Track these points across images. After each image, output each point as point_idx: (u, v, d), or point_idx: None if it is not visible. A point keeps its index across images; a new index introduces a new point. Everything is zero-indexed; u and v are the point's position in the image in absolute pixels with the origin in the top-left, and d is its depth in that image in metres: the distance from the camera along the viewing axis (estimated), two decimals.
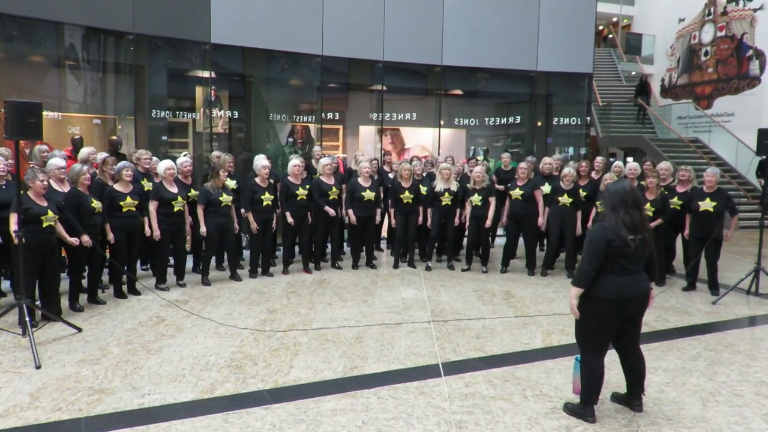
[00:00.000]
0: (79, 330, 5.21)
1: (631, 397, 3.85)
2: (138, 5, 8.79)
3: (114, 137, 8.59)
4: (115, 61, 9.46)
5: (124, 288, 6.49)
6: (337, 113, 11.77)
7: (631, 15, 23.12)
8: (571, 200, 7.64)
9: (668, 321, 5.96)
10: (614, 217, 3.55)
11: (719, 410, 3.91)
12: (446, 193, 7.84)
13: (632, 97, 18.96)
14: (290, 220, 7.48)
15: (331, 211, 7.63)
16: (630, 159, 13.61)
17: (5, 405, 3.78)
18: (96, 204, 5.90)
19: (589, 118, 12.87)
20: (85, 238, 5.66)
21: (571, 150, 12.94)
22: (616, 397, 3.95)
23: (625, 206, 3.54)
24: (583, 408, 3.72)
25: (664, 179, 7.62)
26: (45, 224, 5.28)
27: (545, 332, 5.50)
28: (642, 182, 7.48)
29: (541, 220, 7.87)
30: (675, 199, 7.30)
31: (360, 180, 7.86)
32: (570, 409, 3.79)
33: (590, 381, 3.69)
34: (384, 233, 9.47)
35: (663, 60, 20.67)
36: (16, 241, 4.92)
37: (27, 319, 4.75)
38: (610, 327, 3.63)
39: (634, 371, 3.79)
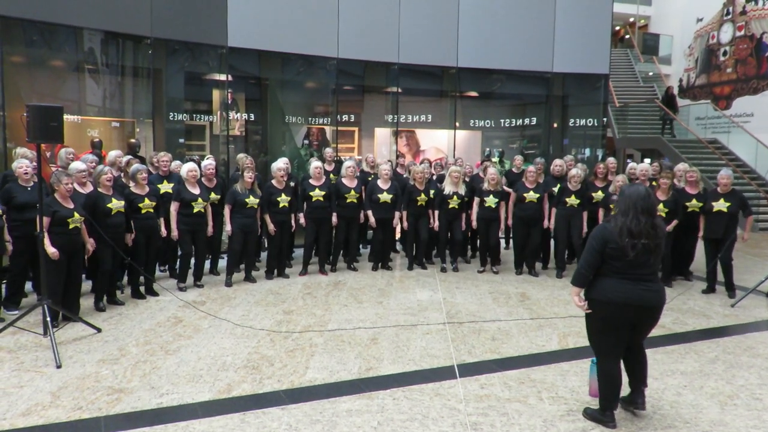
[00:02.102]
0: (99, 330, 5.29)
1: (634, 394, 3.77)
2: (156, 10, 8.90)
3: (132, 140, 8.70)
4: (133, 64, 9.58)
5: (142, 289, 6.57)
6: (352, 115, 11.80)
7: (648, 15, 22.94)
8: (578, 201, 7.61)
9: (686, 323, 5.91)
10: (621, 220, 3.51)
11: (738, 414, 3.87)
12: (454, 197, 7.84)
13: (650, 99, 18.81)
14: (302, 221, 7.52)
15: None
16: (647, 160, 13.50)
17: (27, 403, 3.85)
18: (113, 205, 5.95)
19: (605, 119, 12.80)
20: (90, 242, 5.74)
21: (587, 151, 12.87)
22: (621, 401, 3.84)
23: (635, 211, 3.49)
24: (602, 413, 3.68)
25: (680, 181, 7.57)
26: (71, 226, 5.39)
27: (561, 334, 5.48)
28: (653, 182, 7.45)
29: (547, 222, 7.85)
30: (693, 201, 7.25)
31: (379, 182, 7.90)
32: (590, 414, 3.76)
33: (606, 385, 3.66)
34: (398, 235, 9.48)
35: (681, 60, 20.49)
36: (42, 240, 5.02)
37: (48, 319, 4.82)
38: (615, 328, 3.57)
39: (633, 365, 3.74)
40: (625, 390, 3.81)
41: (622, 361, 3.75)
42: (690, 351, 5.09)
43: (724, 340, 5.42)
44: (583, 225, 7.66)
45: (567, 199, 7.63)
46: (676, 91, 20.20)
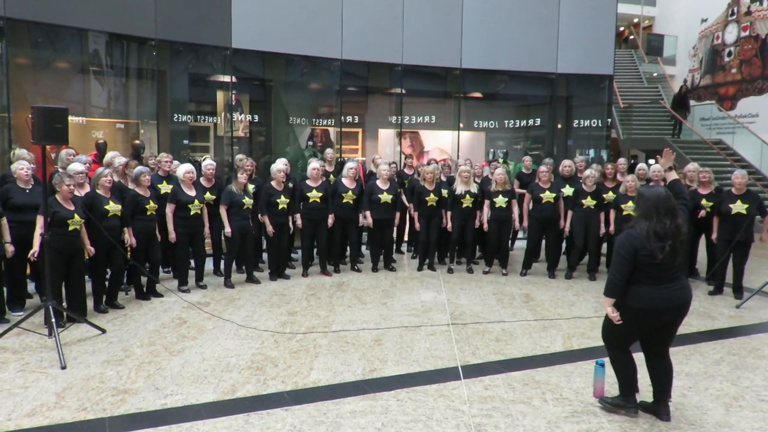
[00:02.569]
0: (103, 331, 5.30)
1: (658, 405, 3.76)
2: (160, 12, 8.92)
3: (137, 141, 8.72)
4: (137, 66, 9.60)
5: (145, 290, 6.58)
6: (356, 116, 11.81)
7: (653, 16, 22.90)
8: (595, 203, 7.58)
9: (691, 325, 5.88)
10: (645, 224, 3.49)
11: (743, 415, 3.86)
12: (467, 196, 7.83)
13: (655, 99, 18.75)
14: (298, 222, 7.54)
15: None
16: (652, 161, 13.46)
17: (32, 404, 3.86)
18: (111, 207, 5.93)
19: (609, 120, 12.77)
20: (89, 249, 5.75)
21: (592, 152, 12.84)
22: (642, 407, 3.83)
23: (658, 213, 3.47)
24: (625, 400, 3.74)
25: (691, 181, 7.55)
26: (71, 227, 5.40)
27: (565, 335, 5.47)
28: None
29: (563, 223, 7.83)
30: (704, 201, 7.23)
31: (378, 182, 7.90)
32: (610, 402, 3.80)
33: (623, 372, 3.72)
34: (406, 236, 9.48)
35: (685, 61, 20.45)
36: (36, 241, 5.04)
37: (53, 320, 4.83)
38: (637, 332, 3.64)
39: (660, 376, 3.73)
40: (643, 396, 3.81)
41: (646, 365, 3.77)
42: (695, 352, 5.07)
43: (729, 341, 5.40)
44: (600, 226, 7.63)
45: (583, 201, 7.60)
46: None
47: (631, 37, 24.08)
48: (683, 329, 5.63)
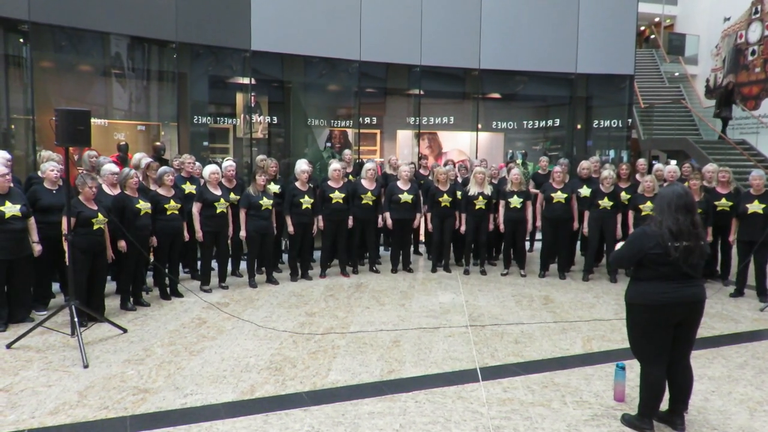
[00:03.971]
0: (125, 331, 5.36)
1: (673, 415, 3.65)
2: (181, 15, 9.02)
3: (158, 143, 8.82)
4: (158, 69, 9.71)
5: (166, 290, 6.64)
6: (374, 118, 11.82)
7: (674, 15, 22.61)
8: (611, 203, 7.52)
9: (714, 328, 5.81)
10: (660, 222, 3.43)
11: (767, 420, 3.79)
12: (480, 197, 7.80)
13: (676, 99, 18.50)
14: (320, 224, 7.56)
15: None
16: (672, 162, 13.31)
17: (55, 402, 3.91)
18: (142, 205, 6.07)
19: (630, 120, 12.64)
20: (121, 243, 5.86)
21: (611, 153, 12.73)
22: (657, 416, 3.71)
23: (670, 209, 3.41)
24: (640, 420, 3.60)
25: (710, 182, 7.46)
26: (95, 227, 5.49)
27: (585, 338, 5.42)
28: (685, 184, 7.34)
29: (577, 225, 7.78)
30: (723, 201, 7.15)
31: (399, 183, 7.90)
32: (627, 420, 3.68)
33: (647, 392, 3.55)
34: (421, 237, 9.47)
35: (707, 60, 20.15)
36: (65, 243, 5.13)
37: (76, 319, 4.90)
38: (657, 334, 3.48)
39: (679, 386, 3.61)
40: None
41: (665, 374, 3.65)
42: (718, 356, 5.00)
43: (753, 344, 5.31)
44: (616, 228, 7.57)
45: (600, 202, 7.55)
46: (702, 92, 19.89)
47: (652, 36, 23.79)
48: (706, 332, 5.59)
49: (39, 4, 7.73)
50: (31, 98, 7.89)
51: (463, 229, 7.98)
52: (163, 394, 4.07)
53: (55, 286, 6.52)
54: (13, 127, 8.43)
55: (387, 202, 7.86)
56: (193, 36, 9.27)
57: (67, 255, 5.24)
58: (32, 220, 5.57)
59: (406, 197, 7.79)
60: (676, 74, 21.11)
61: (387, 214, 7.86)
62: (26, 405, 3.86)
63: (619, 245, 3.70)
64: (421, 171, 9.23)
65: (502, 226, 7.90)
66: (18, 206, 5.39)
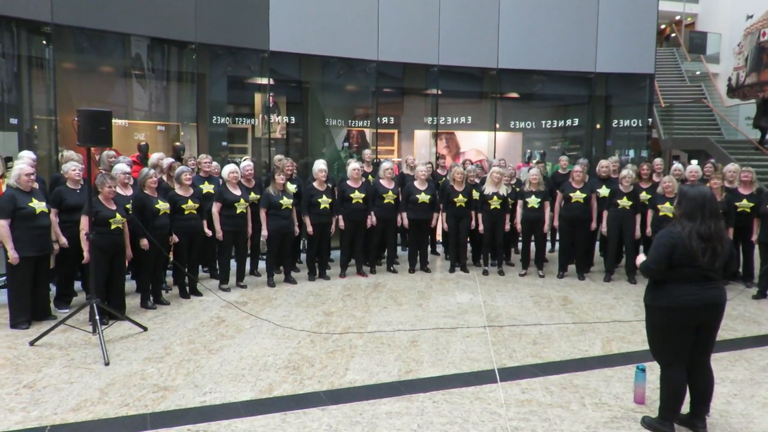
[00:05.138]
0: (145, 329, 5.42)
1: (695, 418, 3.60)
2: (200, 16, 9.09)
3: (177, 143, 8.90)
4: (178, 69, 9.80)
5: (185, 288, 6.70)
6: (392, 117, 11.81)
7: (695, 13, 22.38)
8: (630, 203, 7.45)
9: (736, 330, 5.72)
10: (688, 225, 3.38)
11: None
12: (495, 197, 7.77)
13: (698, 98, 18.27)
14: (341, 224, 7.57)
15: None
16: (694, 162, 13.15)
17: (77, 399, 3.96)
18: (161, 205, 6.13)
19: (650, 120, 12.50)
20: (143, 242, 5.92)
21: (631, 153, 12.60)
22: (678, 419, 3.66)
23: (702, 215, 3.36)
24: (661, 423, 3.55)
25: (731, 182, 7.36)
26: (113, 226, 5.55)
27: (604, 339, 5.38)
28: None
29: (595, 225, 7.72)
30: (744, 202, 7.06)
31: (416, 183, 7.90)
32: (647, 423, 3.64)
33: (668, 395, 3.51)
34: (438, 237, 9.45)
35: (729, 59, 19.87)
36: (85, 243, 5.21)
37: (97, 317, 4.97)
38: (678, 336, 3.44)
39: (699, 388, 3.56)
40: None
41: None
42: (740, 358, 4.93)
43: None
44: (635, 228, 7.50)
45: (619, 201, 7.48)
46: (724, 90, 19.60)
47: (673, 35, 23.54)
48: (728, 334, 5.51)
49: (62, 6, 7.83)
50: (53, 99, 8.00)
51: (481, 228, 7.94)
52: (182, 392, 4.10)
53: (77, 285, 6.61)
54: (36, 127, 8.55)
55: (404, 202, 7.86)
56: (212, 37, 9.34)
57: (86, 253, 5.32)
58: (53, 218, 5.66)
59: (423, 197, 7.78)
60: (698, 73, 20.86)
61: (404, 214, 7.86)
62: (49, 401, 3.92)
63: (641, 257, 3.64)
64: (439, 171, 9.21)
65: (519, 226, 7.86)
66: (44, 203, 5.52)
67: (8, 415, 3.71)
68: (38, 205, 5.43)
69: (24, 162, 5.74)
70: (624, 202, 7.45)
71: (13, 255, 5.26)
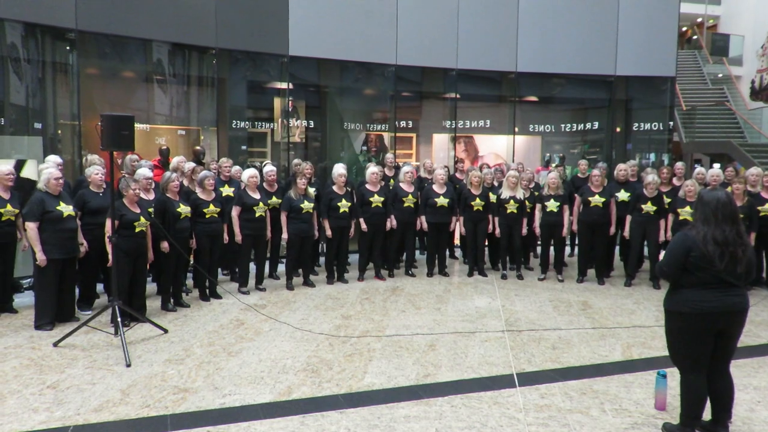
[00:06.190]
0: (166, 331, 5.48)
1: (717, 425, 3.54)
2: (220, 21, 9.18)
3: (198, 147, 8.99)
4: (198, 74, 9.91)
5: (205, 291, 6.76)
6: (410, 121, 11.84)
7: (717, 15, 22.10)
8: (655, 208, 7.37)
9: (759, 336, 5.64)
10: (703, 229, 3.35)
11: None
12: (511, 201, 7.74)
13: (720, 101, 18.03)
14: (363, 226, 7.60)
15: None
16: (716, 165, 13.00)
17: (99, 400, 4.02)
18: (182, 209, 6.20)
19: (672, 123, 12.37)
20: (164, 245, 5.99)
21: (652, 156, 12.47)
22: (700, 426, 3.60)
23: (716, 219, 3.33)
24: (682, 429, 3.51)
25: (753, 186, 7.26)
26: (137, 229, 5.63)
27: (625, 345, 5.33)
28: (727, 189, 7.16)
29: (614, 229, 7.66)
30: (767, 206, 6.95)
31: (434, 187, 7.90)
32: (668, 429, 3.60)
33: (689, 401, 3.47)
34: (456, 241, 9.43)
35: (753, 61, 19.60)
36: (109, 246, 5.29)
37: (119, 319, 5.03)
38: (697, 342, 3.40)
39: (719, 394, 3.51)
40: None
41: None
42: (763, 365, 4.85)
43: None
44: (659, 233, 7.42)
45: (643, 206, 7.40)
46: (747, 93, 19.34)
47: (695, 37, 23.27)
48: (751, 341, 5.44)
49: (85, 13, 7.96)
50: (77, 104, 8.14)
51: (498, 232, 7.91)
52: (202, 394, 4.14)
53: (99, 287, 6.70)
54: (59, 132, 8.70)
55: (423, 206, 7.87)
56: (233, 42, 9.43)
57: (110, 256, 5.40)
58: (78, 222, 5.77)
59: (442, 201, 7.78)
60: (720, 76, 20.60)
61: (423, 218, 7.87)
62: (72, 402, 3.98)
63: (662, 256, 3.62)
64: (457, 175, 9.20)
65: (538, 230, 7.82)
66: (71, 207, 5.64)
67: (32, 415, 3.78)
68: (66, 209, 5.56)
69: (52, 166, 5.88)
70: (648, 207, 7.37)
71: (41, 257, 5.38)
